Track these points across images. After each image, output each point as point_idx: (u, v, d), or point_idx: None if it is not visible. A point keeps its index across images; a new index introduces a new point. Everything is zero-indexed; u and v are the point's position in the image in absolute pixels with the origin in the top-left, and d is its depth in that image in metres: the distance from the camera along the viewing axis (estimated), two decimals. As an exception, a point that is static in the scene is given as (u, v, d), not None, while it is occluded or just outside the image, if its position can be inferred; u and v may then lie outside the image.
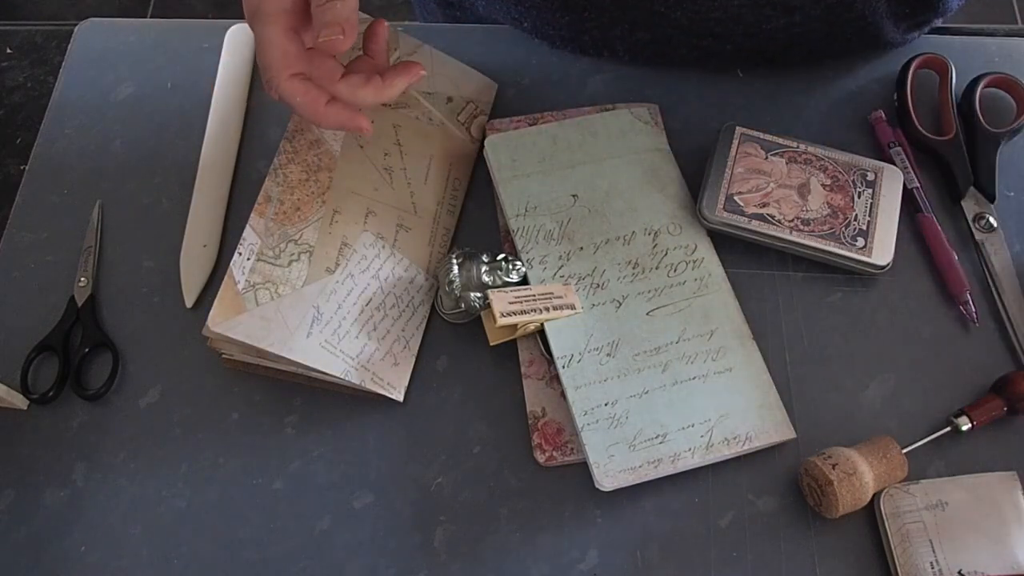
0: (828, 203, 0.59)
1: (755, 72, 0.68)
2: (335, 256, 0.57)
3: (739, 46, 0.66)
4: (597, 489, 0.53)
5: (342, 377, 0.55)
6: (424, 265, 0.60)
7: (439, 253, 0.61)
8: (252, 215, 0.56)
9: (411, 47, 0.65)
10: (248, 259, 0.55)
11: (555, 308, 0.56)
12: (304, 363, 0.54)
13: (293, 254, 0.56)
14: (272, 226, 0.56)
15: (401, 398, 0.57)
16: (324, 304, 0.56)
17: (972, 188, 0.62)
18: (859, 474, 0.51)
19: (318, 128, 0.60)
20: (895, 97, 0.66)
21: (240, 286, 0.54)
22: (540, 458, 0.55)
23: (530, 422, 0.56)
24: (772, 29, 0.64)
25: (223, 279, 0.54)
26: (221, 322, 0.52)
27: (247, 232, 0.56)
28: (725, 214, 0.59)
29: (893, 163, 0.63)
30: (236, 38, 0.70)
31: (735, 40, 0.65)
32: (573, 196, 0.61)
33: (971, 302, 0.58)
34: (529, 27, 0.70)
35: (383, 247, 0.59)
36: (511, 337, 0.57)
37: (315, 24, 0.49)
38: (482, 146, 0.63)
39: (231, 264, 0.54)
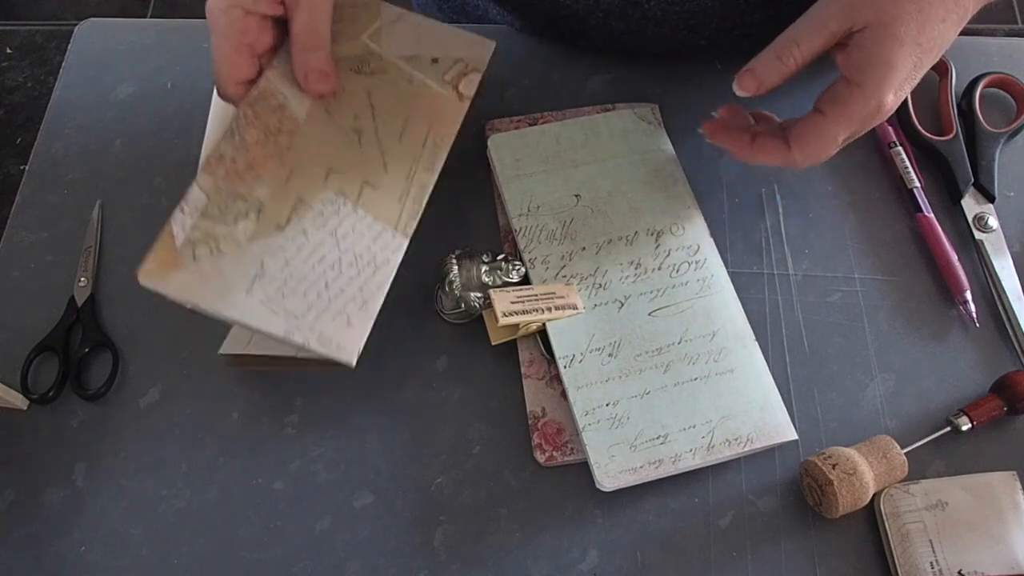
0: None
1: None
2: (287, 213, 0.54)
3: (714, 41, 0.65)
4: (597, 489, 0.53)
5: (283, 336, 0.51)
6: (392, 223, 0.56)
7: (412, 209, 0.57)
8: (200, 173, 0.53)
9: (394, 16, 0.62)
10: (190, 216, 0.52)
11: (557, 308, 0.56)
12: (241, 321, 0.51)
13: (241, 211, 0.53)
14: (221, 184, 0.53)
15: (353, 361, 0.52)
16: (270, 260, 0.52)
17: (972, 188, 0.62)
18: (859, 474, 0.51)
19: (283, 94, 0.57)
20: (895, 97, 0.66)
21: (179, 241, 0.51)
22: (540, 458, 0.55)
23: (530, 422, 0.56)
24: (747, 24, 0.64)
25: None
26: (154, 276, 0.49)
27: (192, 189, 0.52)
28: None
29: (893, 163, 0.63)
30: (236, 37, 0.70)
31: (709, 34, 0.65)
32: (576, 196, 0.61)
33: (971, 302, 0.58)
34: (509, 10, 0.70)
35: (343, 204, 0.56)
36: (513, 337, 0.57)
37: (299, 70, 0.55)
38: (471, 103, 0.60)
39: (170, 219, 0.51)
